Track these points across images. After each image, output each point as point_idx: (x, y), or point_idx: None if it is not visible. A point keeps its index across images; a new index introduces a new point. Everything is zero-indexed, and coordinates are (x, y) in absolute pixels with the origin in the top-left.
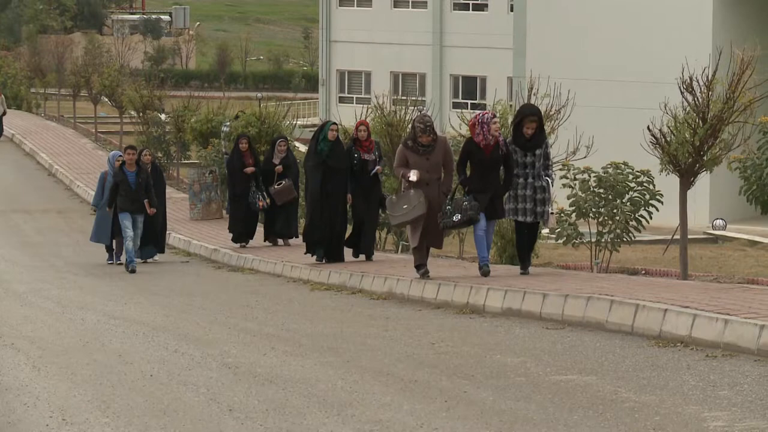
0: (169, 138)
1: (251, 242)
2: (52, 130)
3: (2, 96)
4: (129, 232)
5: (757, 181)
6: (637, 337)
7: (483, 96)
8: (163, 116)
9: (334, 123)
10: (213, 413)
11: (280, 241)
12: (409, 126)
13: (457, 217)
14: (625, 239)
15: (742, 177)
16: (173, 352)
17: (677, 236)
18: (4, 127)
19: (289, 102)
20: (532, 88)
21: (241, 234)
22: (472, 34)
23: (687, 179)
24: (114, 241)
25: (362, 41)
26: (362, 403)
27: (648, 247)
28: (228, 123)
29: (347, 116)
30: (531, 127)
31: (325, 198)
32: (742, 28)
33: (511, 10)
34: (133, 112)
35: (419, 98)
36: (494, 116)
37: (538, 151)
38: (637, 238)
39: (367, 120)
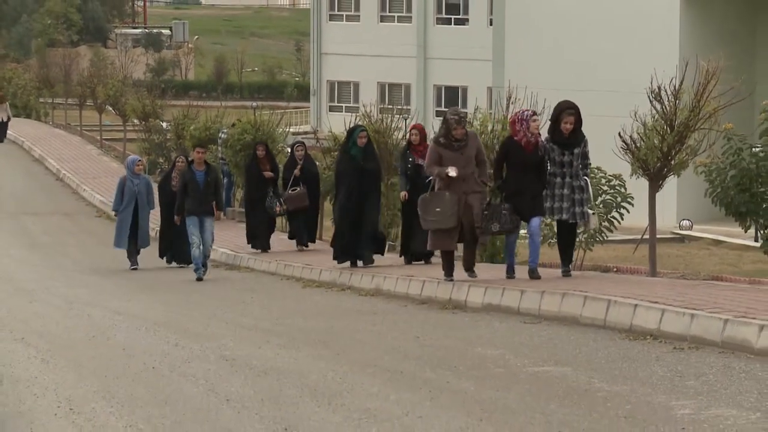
0: (170, 144)
1: (274, 248)
2: (59, 138)
3: (6, 103)
4: (195, 239)
5: (721, 184)
6: (609, 330)
7: (464, 105)
8: (164, 124)
9: (363, 129)
10: (211, 403)
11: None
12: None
13: (495, 227)
14: (598, 239)
15: (707, 180)
16: (174, 345)
17: (647, 236)
18: (14, 134)
19: (282, 111)
20: (510, 98)
21: (257, 238)
22: (454, 47)
23: (656, 183)
24: (130, 244)
25: (351, 53)
26: (351, 393)
27: (619, 246)
28: (225, 131)
29: (337, 124)
30: (569, 121)
31: (357, 202)
32: (707, 41)
33: (491, 24)
34: (135, 121)
35: (405, 107)
36: (534, 113)
37: (576, 150)
38: (609, 238)
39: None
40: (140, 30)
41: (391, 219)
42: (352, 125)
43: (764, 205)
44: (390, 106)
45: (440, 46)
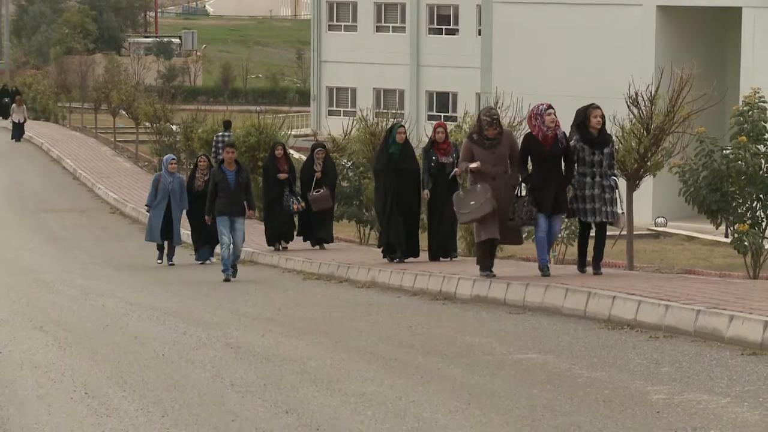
0: (179, 146)
1: (292, 245)
2: (76, 139)
3: (23, 105)
4: (225, 239)
5: (694, 184)
6: (589, 320)
7: (455, 110)
8: (174, 127)
9: (402, 125)
10: (217, 388)
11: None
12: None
13: (521, 219)
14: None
15: (681, 180)
16: (182, 334)
17: (624, 232)
18: (33, 135)
19: (285, 114)
20: (497, 103)
21: (276, 237)
22: (445, 55)
23: (633, 182)
24: (165, 242)
25: (348, 61)
26: (348, 379)
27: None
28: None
29: (335, 127)
30: (597, 114)
31: (396, 200)
32: (681, 51)
33: (479, 34)
34: (147, 123)
35: (398, 111)
36: (549, 107)
37: (606, 150)
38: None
39: (353, 131)
40: (152, 39)
41: None
42: (390, 123)
43: (734, 204)
44: (385, 111)
45: (432, 54)
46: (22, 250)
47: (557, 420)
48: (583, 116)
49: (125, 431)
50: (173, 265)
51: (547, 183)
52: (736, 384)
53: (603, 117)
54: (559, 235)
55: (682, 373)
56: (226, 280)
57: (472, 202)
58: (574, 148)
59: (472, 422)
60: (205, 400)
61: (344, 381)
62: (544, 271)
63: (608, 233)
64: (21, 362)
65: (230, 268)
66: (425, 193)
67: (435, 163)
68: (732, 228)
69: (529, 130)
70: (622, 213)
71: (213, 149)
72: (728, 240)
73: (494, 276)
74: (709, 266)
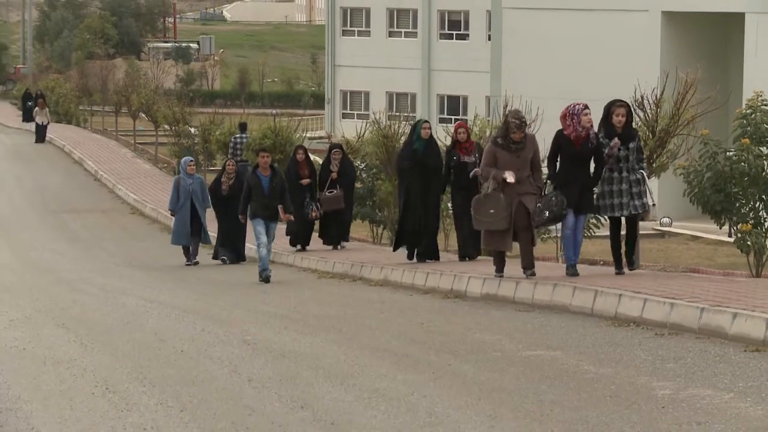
0: (197, 148)
1: (308, 247)
2: (97, 142)
3: (46, 108)
4: (262, 238)
5: (698, 185)
6: (596, 318)
7: (465, 113)
8: (192, 129)
9: (426, 121)
10: (234, 383)
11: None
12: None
13: (545, 214)
14: (586, 234)
15: (685, 182)
16: (201, 331)
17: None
18: (54, 137)
19: (299, 117)
20: (506, 105)
21: (297, 237)
22: (456, 60)
23: None
24: (192, 243)
25: (362, 65)
26: (362, 375)
27: (605, 241)
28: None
29: (349, 130)
30: (620, 113)
31: (419, 197)
32: (685, 55)
33: (489, 39)
34: (166, 126)
35: (410, 114)
36: (585, 107)
37: (631, 144)
38: (596, 234)
39: (366, 133)
40: (171, 44)
41: (397, 216)
42: (415, 120)
43: (737, 204)
44: (397, 114)
45: (443, 59)
46: (44, 250)
47: (565, 415)
48: (606, 112)
49: (145, 425)
50: (198, 263)
51: (573, 180)
52: (740, 380)
53: (630, 114)
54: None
55: (687, 369)
56: (265, 280)
57: (491, 211)
58: (597, 138)
59: (482, 417)
60: (223, 395)
61: (358, 377)
62: (571, 270)
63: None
64: (44, 358)
65: (268, 268)
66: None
67: (456, 163)
68: (735, 228)
69: (560, 129)
70: (653, 205)
71: (230, 151)
72: (732, 239)
73: (503, 276)
74: (713, 265)
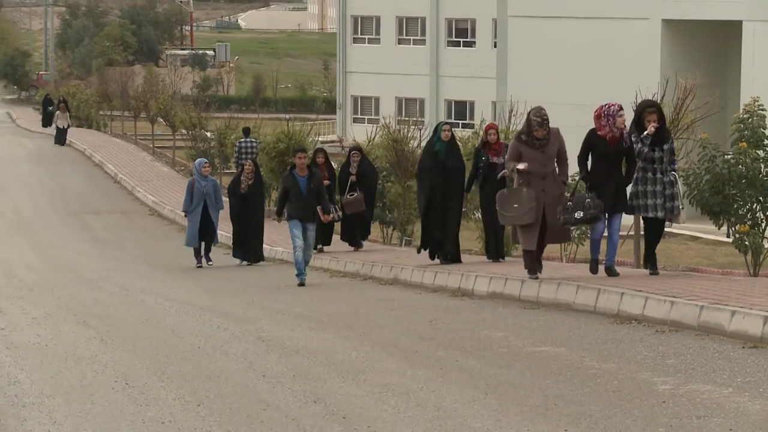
0: (213, 152)
1: (327, 248)
2: (117, 146)
3: (67, 112)
4: (298, 242)
5: (697, 187)
6: (599, 315)
7: (472, 117)
8: (208, 134)
9: (447, 123)
10: (249, 378)
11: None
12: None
13: (579, 215)
14: (588, 235)
15: (685, 184)
16: (217, 328)
17: (632, 232)
18: (74, 140)
19: (312, 122)
20: (512, 110)
21: (316, 238)
22: (463, 66)
23: None
24: (202, 243)
25: (372, 72)
26: (373, 370)
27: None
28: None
29: (360, 134)
30: (651, 119)
31: (441, 199)
32: (685, 61)
33: (495, 47)
34: (183, 130)
35: (419, 119)
36: (620, 108)
37: (665, 146)
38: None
39: (376, 137)
40: (188, 51)
41: (407, 217)
42: (437, 122)
43: (735, 206)
44: (406, 119)
45: (451, 65)
46: (66, 250)
47: (569, 409)
48: (639, 115)
49: (163, 419)
50: (211, 264)
51: (608, 180)
52: (738, 375)
53: (663, 117)
54: (573, 234)
55: (687, 365)
56: (301, 284)
57: (515, 205)
58: (630, 138)
59: (489, 411)
60: (238, 390)
61: (369, 372)
62: (611, 271)
63: (621, 233)
64: (65, 355)
65: (304, 272)
66: (467, 196)
67: (485, 163)
68: (733, 228)
69: (593, 128)
70: (683, 208)
71: (235, 155)
72: (730, 240)
73: (537, 278)
74: (711, 264)
